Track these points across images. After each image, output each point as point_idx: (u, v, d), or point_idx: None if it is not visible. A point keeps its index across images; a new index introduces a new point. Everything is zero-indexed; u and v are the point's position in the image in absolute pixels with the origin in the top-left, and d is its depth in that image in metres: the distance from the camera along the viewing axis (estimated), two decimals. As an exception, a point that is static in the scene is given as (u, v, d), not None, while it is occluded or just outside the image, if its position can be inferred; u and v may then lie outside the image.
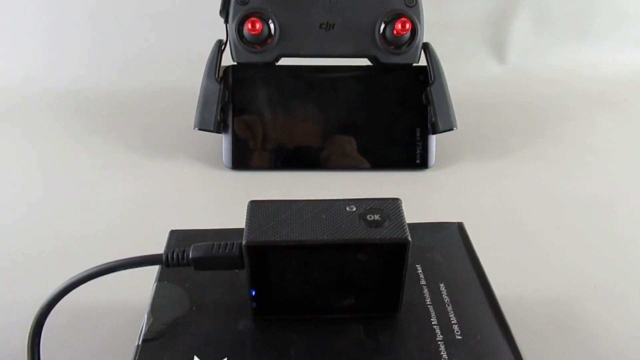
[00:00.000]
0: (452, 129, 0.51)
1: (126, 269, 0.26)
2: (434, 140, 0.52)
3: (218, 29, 0.53)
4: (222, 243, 0.26)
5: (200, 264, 0.25)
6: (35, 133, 0.60)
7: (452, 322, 0.27)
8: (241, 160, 0.52)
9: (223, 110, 0.51)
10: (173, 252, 0.26)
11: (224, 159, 0.52)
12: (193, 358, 0.24)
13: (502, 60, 0.75)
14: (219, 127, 0.50)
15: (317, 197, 0.48)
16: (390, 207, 0.26)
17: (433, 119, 0.51)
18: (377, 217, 0.25)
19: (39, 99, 0.67)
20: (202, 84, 0.50)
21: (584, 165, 0.54)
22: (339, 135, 0.52)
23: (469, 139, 0.58)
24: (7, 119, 0.63)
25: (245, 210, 0.25)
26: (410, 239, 0.24)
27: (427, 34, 0.53)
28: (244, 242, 0.24)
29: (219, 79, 0.50)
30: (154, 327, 0.26)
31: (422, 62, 0.53)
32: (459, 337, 0.26)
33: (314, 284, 0.25)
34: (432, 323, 0.27)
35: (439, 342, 0.25)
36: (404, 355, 0.25)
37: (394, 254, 0.24)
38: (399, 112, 0.53)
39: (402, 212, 0.25)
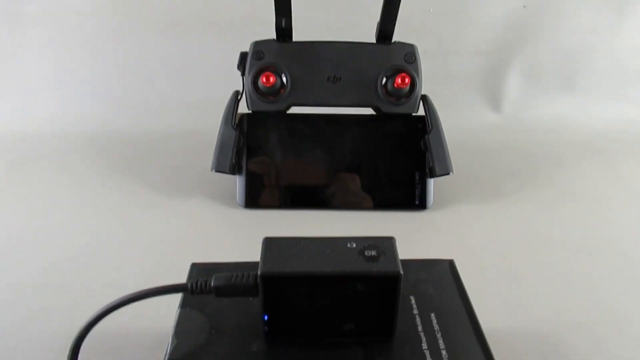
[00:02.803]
0: (448, 174, 0.55)
1: (155, 296, 0.30)
2: (431, 183, 0.57)
3: (233, 78, 0.58)
4: (239, 273, 0.29)
5: (221, 291, 0.29)
6: (65, 173, 0.64)
7: (441, 347, 0.30)
8: (253, 199, 0.56)
9: (238, 154, 0.55)
10: (197, 281, 0.30)
11: (237, 198, 0.56)
12: (212, 375, 0.28)
13: (498, 110, 0.80)
14: (234, 170, 0.55)
15: (322, 234, 0.52)
16: (386, 244, 0.30)
17: (431, 164, 0.55)
18: (373, 252, 0.29)
19: (67, 142, 0.72)
20: (219, 130, 0.55)
21: (572, 210, 0.57)
22: (343, 174, 0.56)
23: (465, 183, 0.62)
24: (36, 161, 0.68)
25: (257, 245, 0.29)
26: (402, 272, 0.28)
27: (428, 85, 0.58)
28: (259, 273, 0.28)
29: (235, 126, 0.55)
30: (178, 349, 0.30)
31: (421, 111, 0.57)
32: (446, 361, 0.29)
33: (319, 310, 0.29)
34: (423, 348, 0.30)
35: (429, 365, 0.29)
36: (397, 375, 0.28)
37: (387, 285, 0.28)
38: (399, 157, 0.57)
39: (396, 249, 0.29)
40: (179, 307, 0.33)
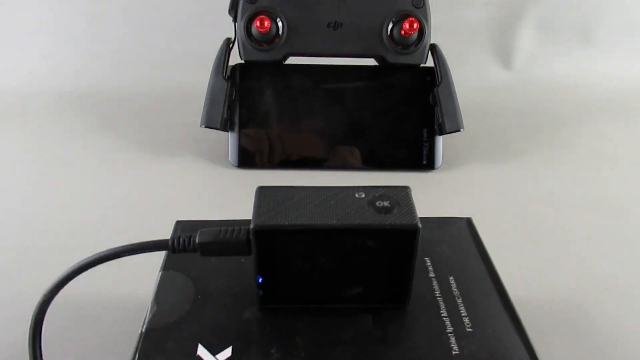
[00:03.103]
0: (459, 130, 0.50)
1: (132, 254, 0.26)
2: (440, 141, 0.52)
3: (226, 30, 0.53)
4: (229, 228, 0.25)
5: (207, 249, 0.25)
6: (43, 132, 0.60)
7: (462, 314, 0.26)
8: (247, 158, 0.51)
9: (230, 109, 0.51)
10: (179, 237, 0.25)
11: (230, 157, 0.52)
12: (197, 346, 0.24)
13: (508, 67, 0.74)
14: (226, 125, 0.50)
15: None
16: (400, 194, 0.25)
17: (440, 119, 0.50)
18: (386, 203, 0.24)
19: (47, 99, 0.67)
20: (209, 81, 0.50)
21: (592, 170, 0.53)
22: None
23: (476, 142, 0.57)
24: (13, 118, 0.63)
25: (250, 207, 0.25)
26: (420, 225, 0.23)
27: (433, 38, 0.53)
28: (251, 226, 0.23)
29: (226, 77, 0.50)
30: (158, 316, 0.26)
31: (430, 63, 0.52)
32: (470, 330, 0.25)
33: (322, 271, 0.25)
34: (442, 315, 0.26)
35: (449, 334, 0.25)
36: (413, 346, 0.24)
37: (403, 240, 0.24)
38: (405, 113, 0.52)
39: (412, 200, 0.25)
40: (160, 270, 0.29)
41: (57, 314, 0.32)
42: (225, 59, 0.51)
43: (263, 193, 0.25)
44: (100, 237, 0.41)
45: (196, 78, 0.58)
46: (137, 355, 0.23)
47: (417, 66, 0.52)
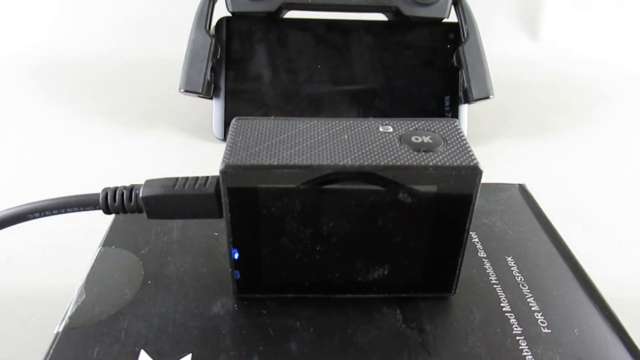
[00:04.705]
0: (488, 97, 0.42)
1: (43, 216, 0.17)
2: (465, 110, 0.44)
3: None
4: (190, 177, 0.17)
5: (156, 207, 0.17)
6: (7, 101, 0.52)
7: (533, 308, 0.18)
8: (235, 129, 0.43)
9: (214, 71, 0.42)
10: (115, 190, 0.17)
11: (214, 129, 0.44)
12: (139, 353, 0.16)
13: (535, 36, 0.67)
14: (209, 90, 0.42)
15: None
16: (445, 128, 0.17)
17: (465, 84, 0.42)
18: (427, 139, 0.16)
19: (10, 65, 0.59)
20: (189, 37, 0.42)
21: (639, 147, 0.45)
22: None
23: (504, 116, 0.49)
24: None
25: None
26: (481, 167, 0.15)
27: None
28: (221, 168, 0.15)
29: (210, 33, 0.42)
30: (85, 308, 0.17)
31: (453, 18, 0.44)
32: (547, 331, 0.17)
33: (328, 242, 0.17)
34: (504, 309, 0.18)
35: (518, 338, 0.17)
36: (465, 355, 0.16)
37: (454, 192, 0.15)
38: (424, 77, 0.44)
39: (463, 135, 0.17)
40: (100, 245, 0.20)
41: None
42: (208, 8, 0.43)
43: (242, 126, 0.17)
44: (57, 218, 0.33)
45: (175, 45, 0.50)
46: (44, 366, 0.15)
47: (438, 20, 0.44)
